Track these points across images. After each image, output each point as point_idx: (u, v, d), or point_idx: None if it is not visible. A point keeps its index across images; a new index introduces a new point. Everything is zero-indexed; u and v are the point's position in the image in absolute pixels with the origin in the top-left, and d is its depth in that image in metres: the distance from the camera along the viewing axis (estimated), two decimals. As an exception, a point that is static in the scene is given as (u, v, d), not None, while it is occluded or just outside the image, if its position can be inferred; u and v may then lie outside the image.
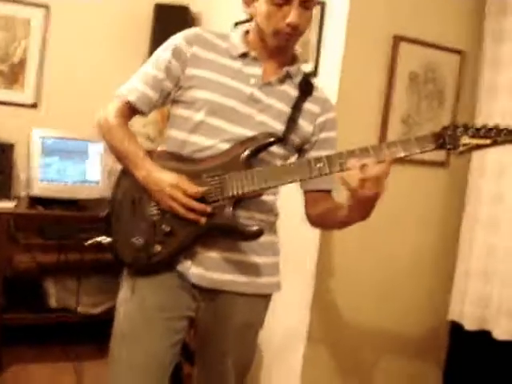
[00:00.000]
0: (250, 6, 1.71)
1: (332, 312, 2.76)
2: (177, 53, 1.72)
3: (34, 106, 3.63)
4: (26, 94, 3.63)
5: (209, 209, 1.62)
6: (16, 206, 3.23)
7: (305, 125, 1.76)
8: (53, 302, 3.39)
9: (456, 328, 2.94)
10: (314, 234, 2.62)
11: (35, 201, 3.30)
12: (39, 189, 3.28)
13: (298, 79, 1.78)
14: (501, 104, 2.75)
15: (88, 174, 3.42)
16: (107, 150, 1.91)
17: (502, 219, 2.71)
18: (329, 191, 1.82)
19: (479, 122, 2.81)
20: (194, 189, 1.62)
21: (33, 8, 3.59)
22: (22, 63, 3.61)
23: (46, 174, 3.30)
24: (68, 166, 3.37)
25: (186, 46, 1.72)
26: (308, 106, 1.77)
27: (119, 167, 1.80)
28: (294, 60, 1.79)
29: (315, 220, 1.83)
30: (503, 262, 2.69)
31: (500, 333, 2.67)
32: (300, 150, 1.81)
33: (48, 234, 3.22)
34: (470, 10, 2.89)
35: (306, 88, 1.79)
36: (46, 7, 3.60)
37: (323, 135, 1.80)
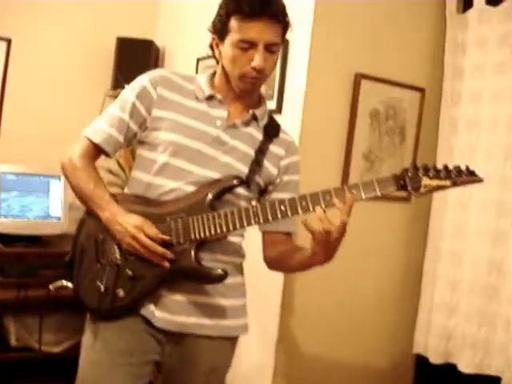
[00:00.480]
0: (216, 50, 1.72)
1: (297, 348, 2.75)
2: (142, 95, 1.72)
3: (-6, 140, 3.56)
4: (-14, 128, 3.56)
5: (169, 253, 1.61)
6: (-25, 242, 3.15)
7: (269, 167, 1.77)
8: (13, 341, 3.29)
9: (421, 361, 2.96)
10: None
11: (-5, 237, 3.23)
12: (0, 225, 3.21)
13: (263, 122, 1.79)
14: (461, 139, 2.82)
15: (49, 210, 3.36)
16: (68, 186, 1.89)
17: (465, 253, 2.75)
18: (288, 233, 1.82)
19: (440, 157, 2.88)
20: (156, 233, 1.61)
21: (-6, 41, 3.54)
22: (-17, 97, 3.55)
23: (6, 210, 3.23)
24: (29, 201, 3.31)
25: (151, 88, 1.72)
26: (273, 148, 1.78)
27: (79, 203, 1.78)
28: (260, 102, 1.80)
29: (272, 262, 1.82)
30: (466, 295, 2.72)
31: (465, 365, 2.69)
32: (263, 191, 1.81)
33: (8, 271, 3.14)
34: (430, 48, 2.97)
35: (272, 130, 1.80)
36: (8, 41, 3.56)
37: (286, 178, 1.81)
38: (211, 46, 1.74)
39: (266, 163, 1.76)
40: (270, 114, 1.84)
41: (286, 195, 1.70)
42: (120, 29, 3.68)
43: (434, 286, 2.86)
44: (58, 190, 3.38)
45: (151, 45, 3.67)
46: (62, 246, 3.27)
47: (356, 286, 2.86)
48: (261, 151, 1.75)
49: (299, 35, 2.61)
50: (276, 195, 1.78)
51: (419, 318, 2.94)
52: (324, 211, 1.51)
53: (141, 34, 3.68)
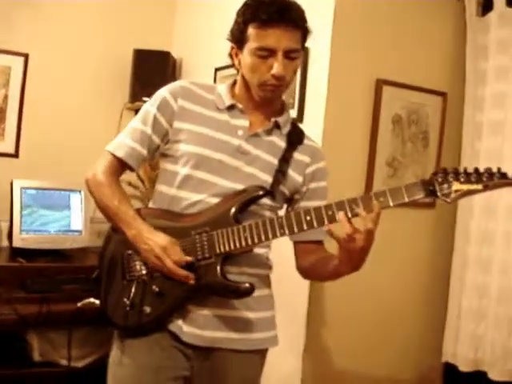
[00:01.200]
0: (235, 59, 1.70)
1: (325, 358, 2.72)
2: (163, 107, 1.71)
3: (14, 155, 3.57)
4: (6, 144, 3.57)
5: (192, 276, 1.60)
6: (-3, 258, 3.16)
7: (294, 175, 1.74)
8: (36, 356, 3.28)
9: (451, 370, 2.91)
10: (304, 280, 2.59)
11: (17, 252, 3.23)
12: (21, 240, 3.21)
13: (286, 129, 1.76)
14: (485, 143, 2.77)
15: (70, 224, 3.36)
16: (88, 199, 1.87)
17: (493, 258, 2.70)
18: (320, 241, 1.78)
19: (464, 162, 2.84)
20: (180, 256, 1.60)
21: (13, 56, 3.56)
22: (2, 112, 3.57)
23: (27, 225, 3.23)
24: (50, 216, 3.31)
25: (172, 100, 1.70)
26: (297, 156, 1.75)
27: (100, 215, 1.77)
28: (282, 110, 1.78)
29: (306, 272, 1.79)
30: (495, 302, 2.67)
31: (496, 374, 2.65)
32: (290, 200, 1.79)
33: (30, 286, 3.14)
34: (451, 52, 2.94)
35: (296, 138, 1.77)
36: (25, 55, 3.57)
37: (313, 185, 1.78)
38: (231, 55, 1.72)
39: (291, 172, 1.73)
40: (294, 121, 1.82)
41: (315, 203, 1.68)
42: (137, 41, 3.69)
43: (462, 293, 2.82)
44: (78, 203, 3.38)
45: (168, 56, 3.66)
46: (84, 260, 3.26)
47: (382, 294, 2.82)
48: (285, 160, 1.72)
49: (319, 42, 2.59)
50: (305, 204, 1.75)
51: (447, 325, 2.89)
52: (346, 215, 1.47)
53: (157, 45, 3.69)
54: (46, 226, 3.30)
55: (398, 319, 2.89)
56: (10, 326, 3.35)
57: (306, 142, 1.79)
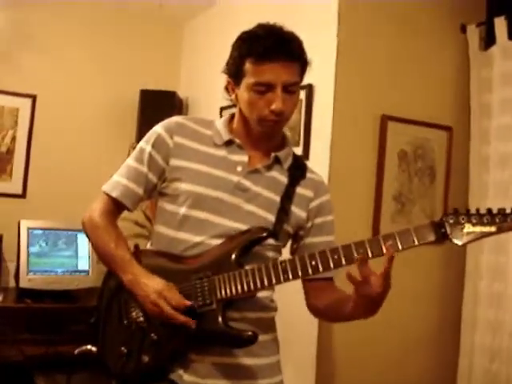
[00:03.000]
0: (232, 93, 1.64)
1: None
2: (158, 144, 1.64)
3: (21, 195, 3.59)
4: (13, 184, 3.60)
5: (192, 322, 1.51)
6: (4, 299, 3.14)
7: (298, 211, 1.67)
8: (43, 398, 3.24)
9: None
10: (313, 320, 2.55)
11: (24, 293, 3.21)
12: (28, 281, 3.20)
13: (287, 163, 1.69)
14: (493, 176, 2.75)
15: (77, 264, 3.35)
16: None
17: (504, 294, 2.65)
18: (330, 279, 1.70)
19: (473, 196, 2.82)
20: (178, 300, 1.52)
21: (21, 98, 3.61)
22: (10, 153, 3.60)
23: (34, 266, 3.23)
24: (57, 256, 3.31)
25: (167, 137, 1.63)
26: (300, 190, 1.68)
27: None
28: (283, 144, 1.71)
29: (319, 312, 1.73)
30: (508, 338, 2.61)
31: (511, 412, 2.57)
32: (295, 236, 1.72)
33: (36, 328, 3.12)
34: (455, 86, 2.95)
35: (298, 172, 1.70)
36: (33, 97, 3.62)
37: (319, 220, 1.70)
38: (227, 89, 1.66)
39: (294, 208, 1.66)
40: (295, 154, 1.74)
41: (322, 238, 1.64)
42: (143, 81, 3.73)
43: (474, 329, 2.76)
44: (85, 243, 3.37)
45: (174, 96, 3.70)
46: (91, 301, 3.22)
47: (393, 332, 2.77)
48: (287, 196, 1.65)
49: (323, 78, 2.61)
50: (312, 240, 1.69)
51: (460, 362, 2.82)
52: (364, 258, 1.42)
53: (164, 85, 3.72)
54: (52, 266, 3.30)
55: (410, 357, 2.83)
56: (17, 367, 3.33)
57: (308, 175, 1.72)
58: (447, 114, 2.92)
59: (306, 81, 2.62)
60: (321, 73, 2.64)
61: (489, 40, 2.90)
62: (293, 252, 1.73)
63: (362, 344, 2.68)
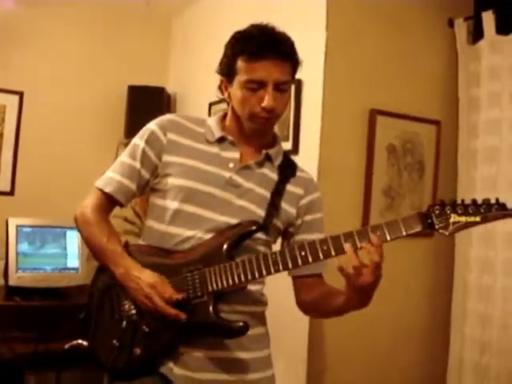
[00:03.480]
0: (225, 92, 1.67)
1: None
2: (151, 141, 1.67)
3: (9, 193, 3.57)
4: (1, 181, 3.57)
5: (183, 315, 1.53)
6: (-8, 297, 3.13)
7: (287, 207, 1.70)
8: (34, 396, 3.23)
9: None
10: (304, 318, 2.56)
11: (13, 291, 3.19)
12: (17, 279, 3.18)
13: (278, 161, 1.72)
14: (481, 171, 2.77)
15: (67, 262, 3.33)
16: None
17: (493, 288, 2.67)
18: (319, 275, 1.73)
19: (461, 190, 2.83)
20: (170, 293, 1.54)
21: (7, 95, 3.58)
22: (-3, 150, 3.58)
23: (23, 264, 3.21)
24: (46, 254, 3.29)
25: (160, 133, 1.67)
26: (290, 188, 1.71)
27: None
28: (274, 142, 1.74)
29: (308, 308, 1.74)
30: (498, 331, 2.63)
31: (501, 405, 2.59)
32: (285, 233, 1.74)
33: (26, 325, 3.10)
34: (443, 81, 2.96)
35: (288, 170, 1.73)
36: (20, 93, 3.59)
37: (309, 218, 1.73)
38: (220, 88, 1.69)
39: (284, 204, 1.68)
40: (286, 153, 1.78)
41: (312, 236, 1.65)
42: (131, 77, 3.71)
43: (464, 322, 2.78)
44: (74, 241, 3.36)
45: (163, 92, 3.69)
46: (81, 298, 3.21)
47: (383, 327, 2.78)
48: (277, 192, 1.68)
49: (312, 74, 2.59)
50: (301, 237, 1.70)
51: (450, 355, 2.84)
52: (354, 248, 1.44)
53: (152, 81, 3.71)
54: (42, 264, 3.27)
55: (400, 352, 2.84)
56: (7, 365, 3.31)
57: (298, 173, 1.75)
58: (436, 108, 2.93)
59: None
60: (310, 68, 2.58)
61: (477, 34, 2.91)
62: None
63: (353, 337, 2.69)
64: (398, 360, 2.84)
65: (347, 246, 1.45)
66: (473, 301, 2.75)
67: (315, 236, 1.65)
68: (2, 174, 3.58)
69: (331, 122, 2.61)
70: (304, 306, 1.74)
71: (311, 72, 2.61)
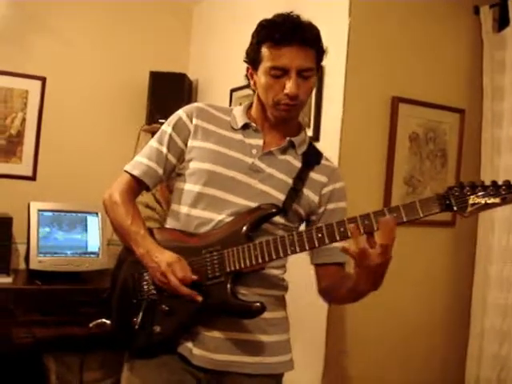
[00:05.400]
0: (251, 80, 1.70)
1: (345, 381, 2.66)
2: (178, 126, 1.72)
3: (31, 178, 3.60)
4: (23, 167, 3.60)
5: (197, 296, 1.56)
6: (14, 280, 3.16)
7: (310, 194, 1.71)
8: (53, 379, 3.26)
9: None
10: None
11: (34, 274, 3.23)
12: (38, 262, 3.21)
13: (302, 149, 1.74)
14: (505, 160, 2.73)
15: (87, 246, 3.36)
16: (105, 221, 1.87)
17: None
18: (341, 264, 1.72)
19: (484, 179, 2.78)
20: (185, 273, 1.57)
21: (30, 80, 3.60)
22: (20, 135, 3.60)
23: (44, 248, 3.24)
24: (67, 238, 3.32)
25: (187, 120, 1.72)
26: (314, 175, 1.72)
27: (117, 238, 1.78)
28: (299, 130, 1.76)
29: (326, 294, 1.75)
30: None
31: (521, 397, 2.57)
32: (308, 222, 1.75)
33: (47, 309, 3.13)
34: (468, 69, 2.92)
35: (312, 158, 1.74)
36: (43, 79, 3.61)
37: (331, 206, 1.73)
38: (247, 77, 1.73)
39: (306, 191, 1.69)
40: (312, 142, 1.79)
41: None
42: (153, 63, 3.72)
43: (484, 313, 2.75)
44: (95, 225, 3.38)
45: (184, 78, 3.68)
46: (101, 282, 3.25)
47: (402, 315, 2.77)
48: (299, 178, 1.69)
49: (334, 61, 2.55)
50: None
51: (470, 346, 2.82)
52: (357, 228, 1.44)
53: (173, 67, 3.71)
54: (63, 248, 3.31)
55: (419, 340, 2.83)
56: (27, 348, 3.35)
57: (323, 162, 1.76)
58: (460, 97, 2.90)
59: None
60: (332, 54, 2.58)
61: (502, 22, 2.86)
62: None
63: (371, 322, 2.68)
64: (416, 346, 2.83)
65: (350, 227, 1.45)
66: (493, 291, 2.72)
67: None
68: (25, 158, 3.60)
69: (353, 109, 2.59)
70: (323, 293, 1.75)
71: (333, 59, 2.54)
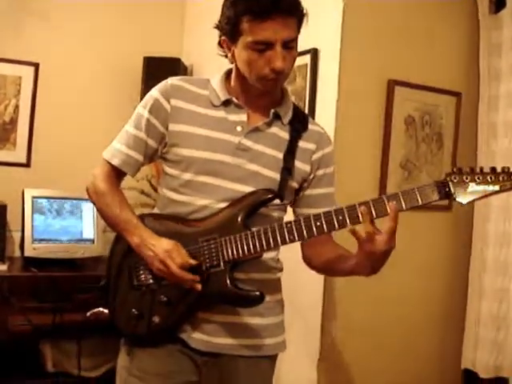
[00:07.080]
0: (228, 51, 1.61)
1: (341, 368, 2.66)
2: (155, 109, 1.64)
3: (26, 164, 3.57)
4: (17, 153, 3.58)
5: (198, 284, 1.54)
6: (9, 267, 3.15)
7: (301, 166, 1.67)
8: (49, 366, 3.26)
9: (471, 376, 2.84)
10: (318, 285, 2.55)
11: (29, 262, 3.22)
12: (33, 250, 3.20)
13: (288, 118, 1.68)
14: (501, 144, 2.71)
15: (82, 233, 3.35)
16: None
17: (511, 262, 2.63)
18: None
19: (480, 163, 2.78)
20: (185, 259, 1.55)
21: (23, 66, 3.56)
22: (13, 122, 3.57)
23: (39, 235, 3.23)
24: (62, 225, 3.30)
25: (164, 101, 1.64)
26: (303, 144, 1.67)
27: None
28: (282, 98, 1.69)
29: (319, 266, 1.73)
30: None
31: (517, 380, 2.57)
32: (297, 190, 1.72)
33: (43, 296, 3.13)
34: (464, 51, 2.89)
35: (299, 124, 1.69)
36: (36, 65, 3.58)
37: (320, 172, 1.71)
38: (220, 45, 1.64)
39: (297, 163, 1.66)
40: (295, 106, 1.73)
41: (321, 190, 1.68)
42: (147, 48, 3.67)
43: (481, 298, 2.75)
44: (90, 212, 3.37)
45: (178, 63, 3.64)
46: (97, 269, 3.24)
47: (399, 300, 2.76)
48: (290, 153, 1.64)
49: (328, 43, 2.56)
50: (311, 192, 1.70)
51: (466, 331, 2.82)
52: (369, 213, 1.43)
53: (168, 52, 3.67)
54: (57, 235, 3.29)
55: (416, 325, 2.83)
56: (24, 335, 3.35)
57: (310, 127, 1.71)
58: (456, 80, 2.87)
59: (310, 45, 2.60)
60: (326, 37, 2.59)
61: (499, 3, 2.83)
62: (293, 204, 1.74)
63: (368, 305, 2.68)
64: (414, 333, 2.83)
65: (361, 209, 1.43)
66: (490, 276, 2.72)
67: (324, 190, 1.68)
68: (18, 145, 3.58)
69: (348, 92, 2.57)
70: (313, 262, 1.73)
71: (328, 41, 2.57)
